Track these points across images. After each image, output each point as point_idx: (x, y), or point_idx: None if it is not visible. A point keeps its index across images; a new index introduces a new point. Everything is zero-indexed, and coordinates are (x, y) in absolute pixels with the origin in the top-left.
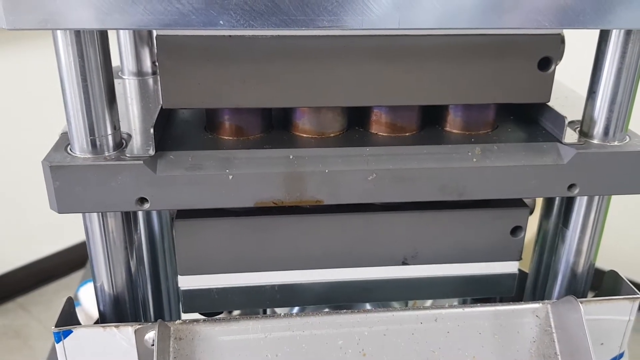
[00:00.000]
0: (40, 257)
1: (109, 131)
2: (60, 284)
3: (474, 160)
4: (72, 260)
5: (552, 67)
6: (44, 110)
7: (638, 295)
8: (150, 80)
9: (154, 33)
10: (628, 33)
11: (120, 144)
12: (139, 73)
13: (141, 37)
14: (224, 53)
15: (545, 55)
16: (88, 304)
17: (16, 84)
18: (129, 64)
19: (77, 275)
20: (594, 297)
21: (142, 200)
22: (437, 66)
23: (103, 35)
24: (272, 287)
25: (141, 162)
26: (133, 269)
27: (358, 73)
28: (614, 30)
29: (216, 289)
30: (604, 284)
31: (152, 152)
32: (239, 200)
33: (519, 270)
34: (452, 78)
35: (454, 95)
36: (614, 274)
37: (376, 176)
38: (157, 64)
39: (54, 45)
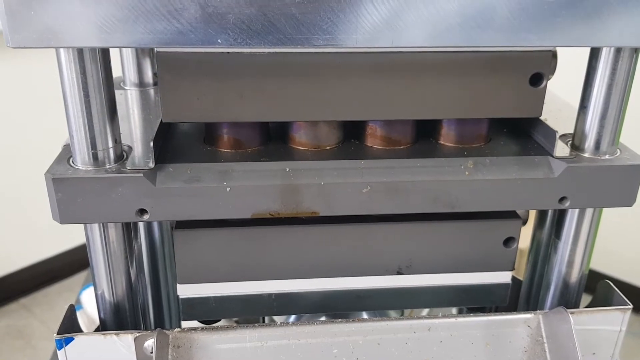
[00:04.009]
0: (44, 258)
1: (110, 144)
2: (63, 285)
3: (467, 173)
4: (76, 261)
5: (544, 82)
6: (47, 112)
7: (629, 306)
8: (152, 91)
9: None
10: (618, 50)
11: (121, 156)
12: (141, 84)
13: (143, 49)
14: (222, 69)
15: (537, 71)
16: (90, 307)
17: (20, 86)
18: (131, 75)
19: (80, 276)
20: (588, 305)
21: (142, 212)
22: (430, 82)
23: (105, 52)
24: (270, 295)
25: (141, 174)
26: (133, 278)
27: (353, 88)
28: (604, 48)
29: (214, 297)
30: (597, 294)
31: (151, 164)
32: (236, 211)
33: (514, 278)
34: (445, 93)
35: (446, 110)
36: (606, 285)
37: (370, 189)
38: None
39: (57, 62)
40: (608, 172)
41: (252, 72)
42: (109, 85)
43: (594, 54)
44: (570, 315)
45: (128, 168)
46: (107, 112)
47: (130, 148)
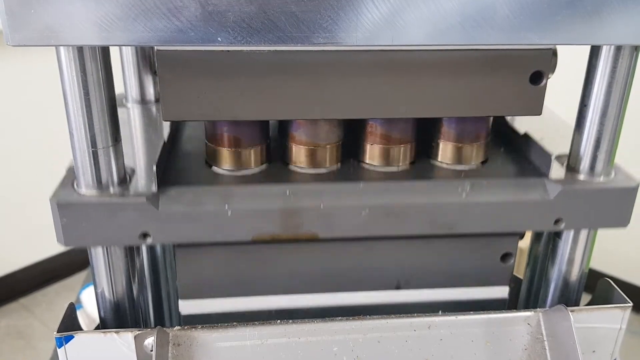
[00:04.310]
0: (44, 258)
1: (111, 142)
2: (63, 284)
3: (463, 195)
4: (75, 261)
5: (544, 80)
6: (46, 112)
7: (629, 304)
8: (154, 108)
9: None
10: (618, 48)
11: (125, 179)
12: (143, 101)
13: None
14: (222, 67)
15: (537, 69)
16: (90, 306)
17: (21, 86)
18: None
19: (80, 276)
20: (588, 303)
21: (145, 235)
22: (430, 80)
23: (105, 50)
24: (270, 311)
25: (144, 199)
26: (133, 275)
27: (353, 87)
28: (604, 46)
29: (216, 313)
30: (597, 292)
31: (154, 188)
32: (237, 234)
33: (514, 276)
34: (445, 91)
35: (447, 109)
36: (606, 283)
37: (369, 211)
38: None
39: (57, 60)
40: (602, 195)
41: (252, 71)
42: (109, 83)
43: (594, 52)
44: (570, 313)
45: (131, 192)
46: (107, 110)
47: (133, 171)
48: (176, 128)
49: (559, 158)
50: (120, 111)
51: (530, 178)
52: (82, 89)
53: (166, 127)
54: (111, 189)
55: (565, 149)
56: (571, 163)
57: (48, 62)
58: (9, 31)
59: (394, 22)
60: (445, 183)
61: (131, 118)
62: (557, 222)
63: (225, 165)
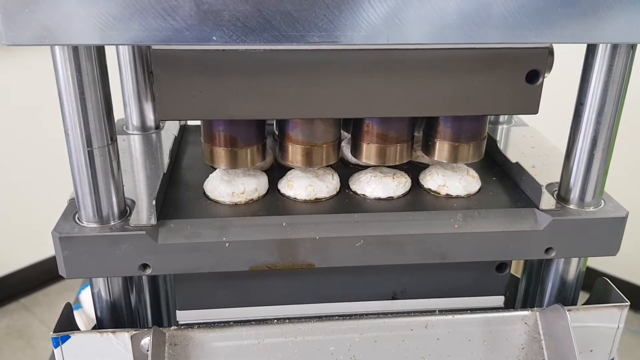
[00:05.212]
0: (44, 258)
1: (106, 142)
2: (63, 284)
3: (456, 226)
4: None
5: (540, 79)
6: (46, 113)
7: (627, 303)
8: (154, 136)
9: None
10: (614, 47)
11: (125, 211)
12: (143, 128)
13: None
14: (218, 66)
15: (533, 68)
16: (90, 306)
17: (20, 86)
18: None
19: None
20: (585, 302)
21: (145, 266)
22: (426, 79)
23: (100, 50)
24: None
25: (144, 232)
26: (130, 276)
27: (349, 85)
28: (601, 44)
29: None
30: (594, 291)
31: (153, 221)
32: (234, 264)
33: (512, 275)
34: (442, 90)
35: (443, 107)
36: (603, 282)
37: (364, 242)
38: (152, 75)
39: (52, 59)
40: (592, 225)
41: (247, 70)
42: (105, 82)
43: (591, 50)
44: (567, 312)
45: (131, 225)
46: (103, 109)
47: (134, 202)
48: (176, 157)
49: (549, 187)
50: (121, 138)
51: (521, 208)
52: (78, 89)
53: (166, 156)
54: (111, 221)
55: (557, 177)
56: (561, 192)
57: (47, 62)
58: (3, 30)
59: (390, 20)
60: (438, 213)
61: (132, 147)
62: (547, 250)
63: (222, 164)
